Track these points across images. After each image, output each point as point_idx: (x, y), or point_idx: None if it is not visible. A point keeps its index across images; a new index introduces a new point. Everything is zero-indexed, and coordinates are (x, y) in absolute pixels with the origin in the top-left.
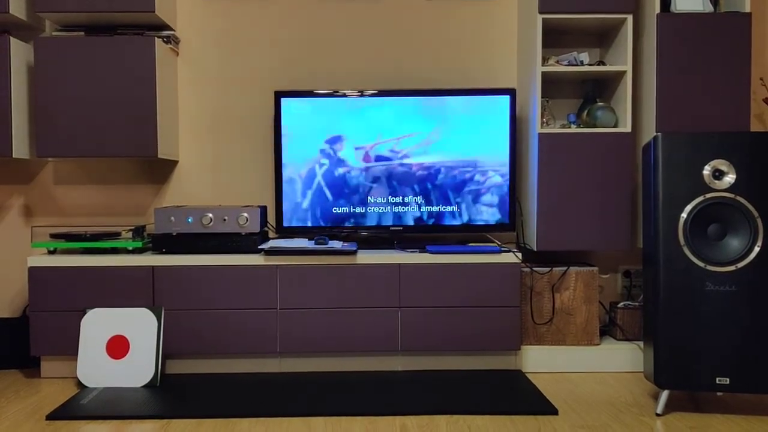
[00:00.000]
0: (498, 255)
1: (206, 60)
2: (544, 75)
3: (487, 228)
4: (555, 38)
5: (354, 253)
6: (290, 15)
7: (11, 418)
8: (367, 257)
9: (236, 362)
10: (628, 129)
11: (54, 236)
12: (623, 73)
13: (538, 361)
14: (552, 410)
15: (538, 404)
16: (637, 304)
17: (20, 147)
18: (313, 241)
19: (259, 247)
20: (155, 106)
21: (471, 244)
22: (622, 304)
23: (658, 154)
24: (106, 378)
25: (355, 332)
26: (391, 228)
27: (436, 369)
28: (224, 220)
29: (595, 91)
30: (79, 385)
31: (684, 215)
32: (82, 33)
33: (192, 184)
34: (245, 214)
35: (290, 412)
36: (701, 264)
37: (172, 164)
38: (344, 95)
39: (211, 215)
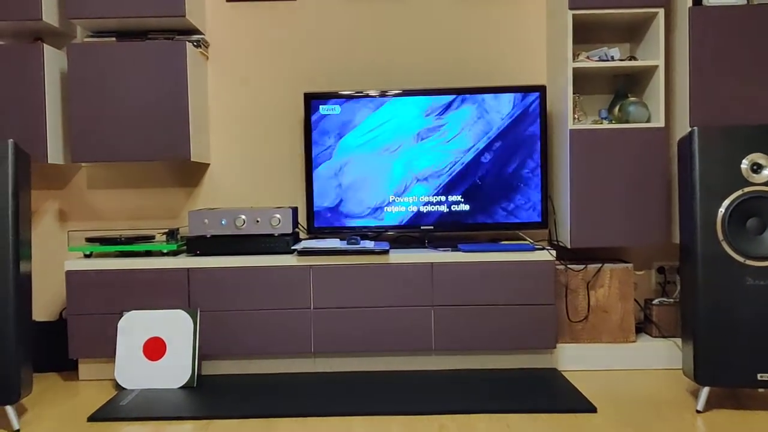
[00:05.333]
0: (531, 253)
1: (236, 63)
2: (575, 71)
3: (520, 226)
4: (584, 33)
5: (386, 252)
6: (317, 16)
7: (53, 421)
8: (399, 256)
9: (271, 363)
10: (661, 124)
11: (90, 240)
12: (655, 67)
13: (574, 359)
14: (591, 408)
15: (576, 402)
16: (672, 300)
17: (55, 152)
18: (345, 242)
19: (292, 247)
20: (187, 110)
21: (503, 243)
22: (657, 300)
23: (695, 148)
24: (144, 380)
25: (389, 332)
26: (422, 227)
27: (471, 368)
28: (257, 221)
29: (627, 86)
30: (117, 387)
31: (722, 210)
32: (114, 38)
33: (223, 187)
34: (278, 215)
35: (328, 411)
36: (740, 259)
37: (203, 167)
38: (373, 96)
39: (244, 217)
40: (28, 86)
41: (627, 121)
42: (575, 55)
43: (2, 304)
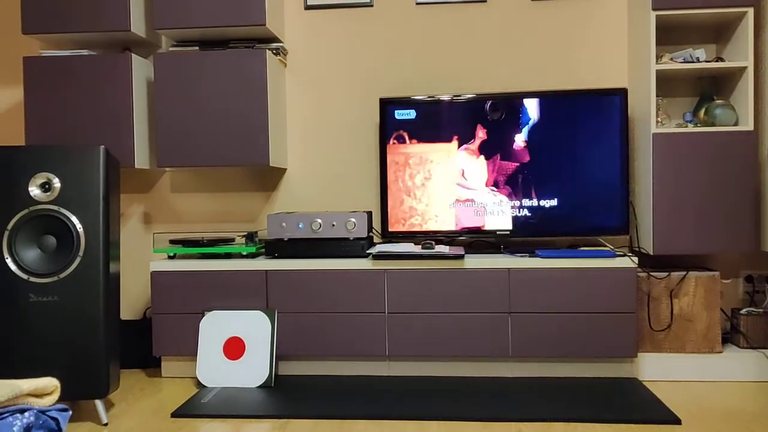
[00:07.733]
0: (612, 259)
1: (312, 70)
2: (659, 73)
3: (600, 231)
4: (667, 34)
5: (462, 257)
6: (393, 22)
7: (139, 415)
8: (475, 262)
9: (346, 365)
10: (750, 127)
11: (173, 242)
12: (744, 69)
13: (656, 369)
14: (675, 420)
15: (659, 413)
16: (761, 310)
17: (141, 157)
18: (420, 246)
19: (368, 251)
20: (267, 116)
21: (583, 249)
22: (745, 310)
23: None
24: (224, 378)
25: (464, 337)
26: (498, 232)
27: (548, 376)
28: (333, 225)
29: (713, 88)
30: (198, 384)
31: None
32: (197, 47)
33: (300, 191)
34: (353, 220)
35: (403, 415)
36: None
37: (281, 172)
38: (448, 101)
39: (320, 221)
40: (117, 94)
41: (713, 125)
42: (658, 57)
43: (93, 303)
